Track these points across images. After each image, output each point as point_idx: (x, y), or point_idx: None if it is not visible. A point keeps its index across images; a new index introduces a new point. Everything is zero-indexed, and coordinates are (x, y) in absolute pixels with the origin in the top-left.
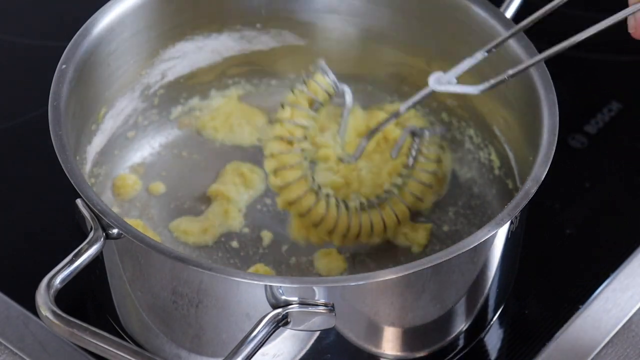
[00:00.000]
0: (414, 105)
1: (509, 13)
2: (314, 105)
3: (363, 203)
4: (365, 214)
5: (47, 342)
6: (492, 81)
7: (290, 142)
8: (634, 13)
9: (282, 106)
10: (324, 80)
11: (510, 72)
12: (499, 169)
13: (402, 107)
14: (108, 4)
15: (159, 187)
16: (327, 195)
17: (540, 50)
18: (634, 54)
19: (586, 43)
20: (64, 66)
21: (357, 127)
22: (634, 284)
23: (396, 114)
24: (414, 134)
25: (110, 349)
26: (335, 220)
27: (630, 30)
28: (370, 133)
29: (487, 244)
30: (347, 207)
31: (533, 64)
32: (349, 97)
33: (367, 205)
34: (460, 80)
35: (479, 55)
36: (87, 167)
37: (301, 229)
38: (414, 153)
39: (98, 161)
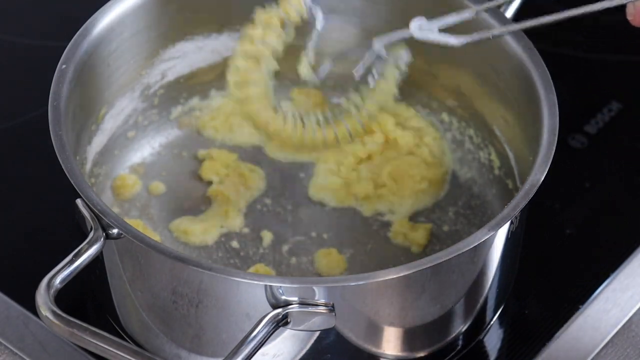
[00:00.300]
0: (389, 43)
1: (509, 13)
2: (284, 25)
3: (319, 119)
4: (307, 129)
5: (47, 342)
6: (476, 36)
7: (257, 60)
8: (634, 1)
9: (253, 21)
10: (297, 2)
11: (496, 32)
12: (499, 169)
13: (376, 43)
14: (108, 4)
15: (159, 187)
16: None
17: (539, 50)
18: (634, 54)
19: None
20: (64, 66)
21: None
22: (634, 284)
23: (369, 46)
24: (379, 57)
25: (110, 349)
26: (292, 130)
27: (629, 17)
28: (338, 55)
29: (487, 244)
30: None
31: (520, 29)
32: (319, 21)
33: (323, 120)
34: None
35: (467, 14)
36: (87, 167)
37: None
38: (375, 75)
39: (98, 161)
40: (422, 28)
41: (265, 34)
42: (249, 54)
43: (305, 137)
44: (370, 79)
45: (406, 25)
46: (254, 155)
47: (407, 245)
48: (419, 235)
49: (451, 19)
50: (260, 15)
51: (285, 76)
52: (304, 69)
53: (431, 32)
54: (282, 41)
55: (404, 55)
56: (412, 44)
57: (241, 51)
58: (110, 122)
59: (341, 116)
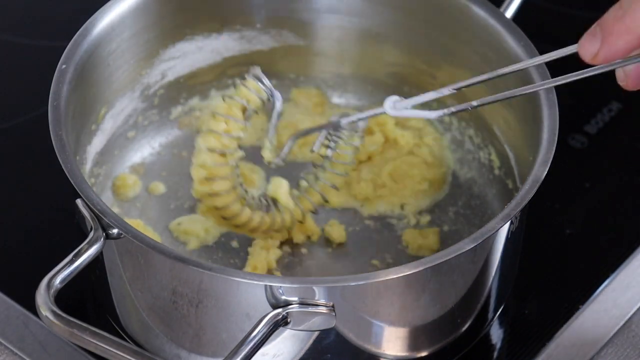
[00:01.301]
0: (356, 121)
1: (509, 13)
2: (246, 112)
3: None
4: (271, 214)
5: (47, 342)
6: (453, 109)
7: (222, 155)
8: (622, 66)
9: (214, 116)
10: (256, 87)
11: (474, 103)
12: (499, 169)
13: (343, 120)
14: (108, 4)
15: (159, 187)
16: (250, 197)
17: (539, 50)
18: None
19: None
20: (64, 66)
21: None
22: (634, 284)
23: (334, 125)
24: (335, 126)
25: (110, 349)
26: (247, 219)
27: (621, 82)
28: (298, 134)
29: (487, 244)
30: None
31: (497, 100)
32: (279, 103)
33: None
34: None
35: (445, 91)
36: (87, 167)
37: (209, 214)
38: (332, 145)
39: (98, 161)
40: (395, 107)
41: (229, 128)
42: (214, 149)
43: (274, 222)
44: (329, 151)
45: (405, 26)
46: (254, 155)
47: (421, 255)
48: (430, 240)
49: (427, 97)
50: (220, 108)
51: (285, 76)
52: (267, 152)
53: (406, 110)
54: (246, 129)
55: (357, 123)
56: (410, 45)
57: (206, 148)
58: (110, 122)
59: (304, 192)
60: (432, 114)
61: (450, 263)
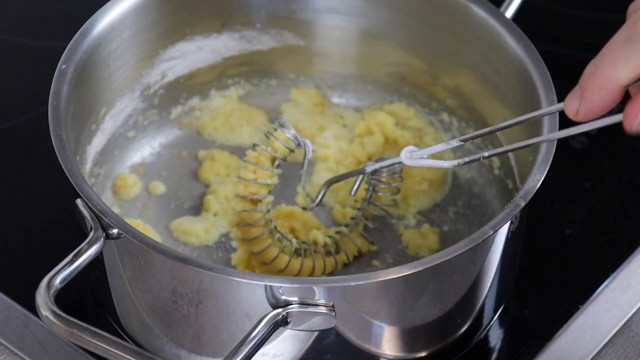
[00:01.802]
0: (380, 169)
1: (509, 13)
2: (275, 162)
3: (310, 245)
4: (311, 259)
5: (47, 342)
6: (467, 159)
7: (254, 202)
8: (602, 125)
9: (245, 165)
10: (284, 136)
11: (486, 154)
12: (499, 169)
13: (368, 167)
14: (108, 4)
15: (159, 187)
16: (285, 239)
17: (539, 50)
18: None
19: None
20: (64, 66)
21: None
22: (634, 284)
23: (361, 171)
24: (373, 172)
25: (110, 349)
26: (285, 266)
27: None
28: (332, 181)
29: (487, 244)
30: (300, 249)
31: (507, 151)
32: (309, 150)
33: (317, 247)
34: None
35: (454, 142)
36: (87, 167)
37: (245, 260)
38: (370, 190)
39: (98, 161)
40: (412, 157)
41: (256, 176)
42: (244, 196)
43: (315, 267)
44: (367, 194)
45: (405, 27)
46: None
47: (421, 255)
48: (430, 240)
49: (438, 147)
50: (250, 156)
51: (285, 76)
52: (301, 198)
53: (421, 159)
54: (274, 175)
55: (394, 166)
56: (410, 45)
57: (238, 195)
58: (110, 122)
59: (338, 238)
60: (447, 164)
61: (450, 263)
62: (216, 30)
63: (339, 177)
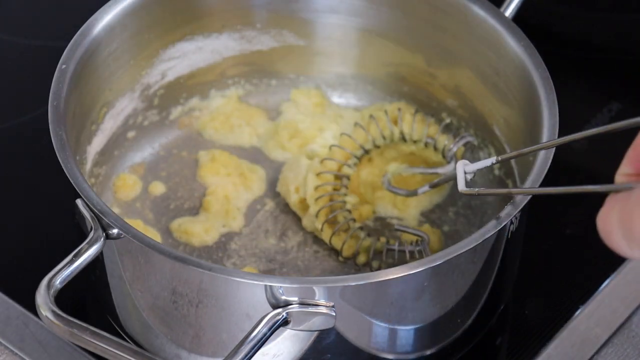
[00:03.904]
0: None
1: (509, 13)
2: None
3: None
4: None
5: (47, 342)
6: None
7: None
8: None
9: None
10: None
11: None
12: (499, 169)
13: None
14: (108, 4)
15: (159, 187)
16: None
17: (539, 50)
18: (634, 54)
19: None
20: (64, 66)
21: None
22: (634, 284)
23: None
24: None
25: (110, 349)
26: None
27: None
28: (435, 184)
29: (487, 244)
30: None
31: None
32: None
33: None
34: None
35: (493, 159)
36: (87, 167)
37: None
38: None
39: (98, 161)
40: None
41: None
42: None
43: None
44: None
45: (405, 26)
46: (254, 155)
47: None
48: (431, 241)
49: (486, 162)
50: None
51: (285, 76)
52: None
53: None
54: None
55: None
56: (410, 45)
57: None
58: (110, 122)
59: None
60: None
61: (450, 263)
62: (216, 30)
63: (439, 180)
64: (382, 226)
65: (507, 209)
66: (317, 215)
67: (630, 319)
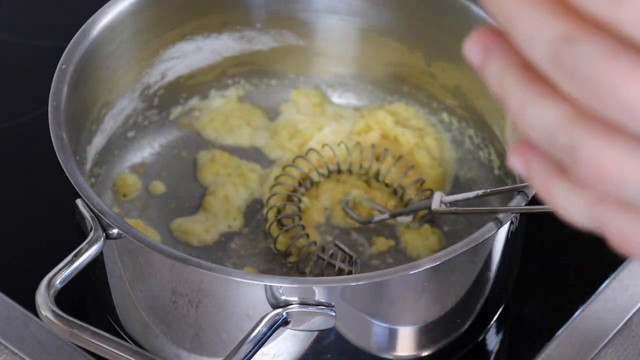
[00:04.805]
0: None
1: None
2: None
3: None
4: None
5: (47, 342)
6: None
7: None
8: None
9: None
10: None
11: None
12: (499, 169)
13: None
14: (108, 4)
15: (159, 187)
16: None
17: None
18: None
19: None
20: (64, 66)
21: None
22: (634, 284)
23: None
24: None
25: (110, 349)
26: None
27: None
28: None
29: (487, 244)
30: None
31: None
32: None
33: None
34: None
35: (479, 192)
36: (87, 167)
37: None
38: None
39: (98, 161)
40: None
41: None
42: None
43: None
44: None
45: (405, 26)
46: (254, 155)
47: (421, 255)
48: (430, 241)
49: (467, 194)
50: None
51: (285, 76)
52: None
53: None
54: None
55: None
56: (410, 45)
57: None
58: (110, 122)
59: None
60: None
61: (450, 263)
62: (216, 30)
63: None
64: (381, 226)
65: (507, 208)
66: (267, 204)
67: (631, 319)
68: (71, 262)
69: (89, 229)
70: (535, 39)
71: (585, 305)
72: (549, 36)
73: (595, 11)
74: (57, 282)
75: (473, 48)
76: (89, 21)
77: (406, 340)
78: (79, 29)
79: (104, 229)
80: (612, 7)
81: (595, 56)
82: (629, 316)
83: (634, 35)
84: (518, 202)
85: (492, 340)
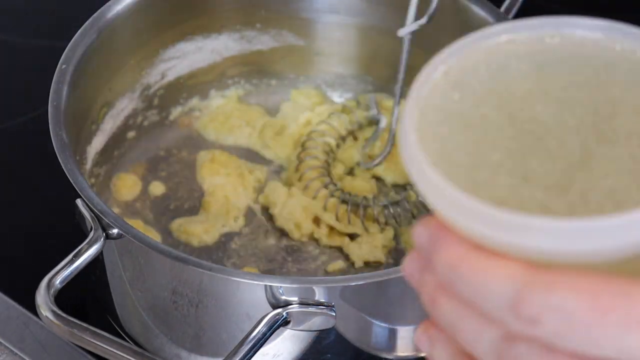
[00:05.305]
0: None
1: (509, 13)
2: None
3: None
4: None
5: (47, 342)
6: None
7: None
8: None
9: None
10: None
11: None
12: None
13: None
14: (108, 4)
15: (159, 188)
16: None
17: None
18: None
19: None
20: (64, 66)
21: None
22: None
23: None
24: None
25: (110, 349)
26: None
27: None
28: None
29: None
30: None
31: None
32: (382, 121)
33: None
34: None
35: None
36: (87, 167)
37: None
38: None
39: (98, 161)
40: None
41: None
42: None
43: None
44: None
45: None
46: (254, 155)
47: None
48: None
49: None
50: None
51: (285, 76)
52: (361, 156)
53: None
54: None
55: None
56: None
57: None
58: (110, 122)
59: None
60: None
61: None
62: (216, 30)
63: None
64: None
65: None
66: (300, 179)
67: None
68: (71, 262)
69: (89, 229)
70: (478, 341)
71: None
72: (490, 338)
73: (517, 329)
74: (57, 282)
75: (421, 338)
76: (89, 21)
77: (406, 340)
78: (79, 29)
79: (104, 229)
80: (530, 327)
81: (532, 352)
82: None
83: (555, 343)
84: None
85: None
